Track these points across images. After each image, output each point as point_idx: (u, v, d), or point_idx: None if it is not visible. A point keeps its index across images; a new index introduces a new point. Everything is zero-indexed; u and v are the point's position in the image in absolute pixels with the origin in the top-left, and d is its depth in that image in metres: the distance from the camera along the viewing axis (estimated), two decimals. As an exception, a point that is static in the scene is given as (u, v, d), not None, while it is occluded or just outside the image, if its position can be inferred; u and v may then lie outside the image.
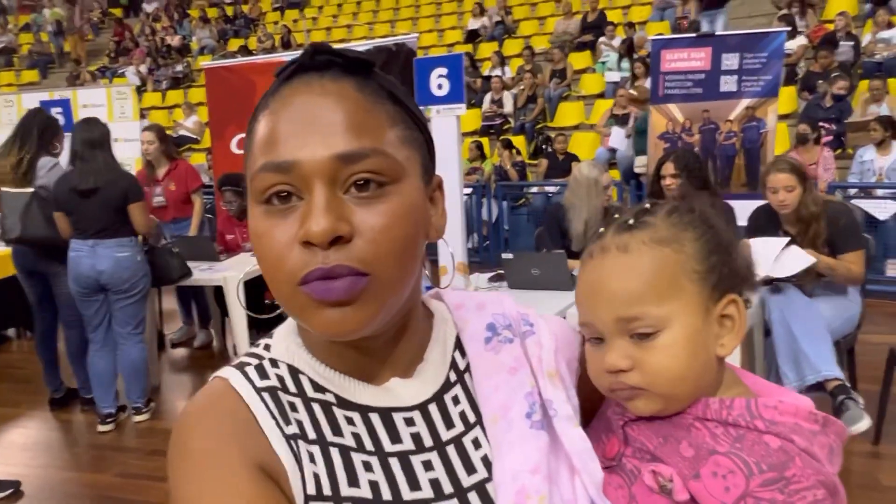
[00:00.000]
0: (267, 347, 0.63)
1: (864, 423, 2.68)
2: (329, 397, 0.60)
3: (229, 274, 3.80)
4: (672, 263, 0.64)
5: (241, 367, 0.60)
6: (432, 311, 0.68)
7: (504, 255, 3.24)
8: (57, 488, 3.03)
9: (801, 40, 8.15)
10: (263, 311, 4.49)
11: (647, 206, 0.69)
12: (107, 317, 3.48)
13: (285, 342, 0.63)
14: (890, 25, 7.68)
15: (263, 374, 0.60)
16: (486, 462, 0.60)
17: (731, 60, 4.44)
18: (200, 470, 0.53)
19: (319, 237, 0.51)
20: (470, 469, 0.60)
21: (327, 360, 0.61)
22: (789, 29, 7.19)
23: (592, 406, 0.68)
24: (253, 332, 4.15)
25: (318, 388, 0.60)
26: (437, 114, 3.05)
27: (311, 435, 0.57)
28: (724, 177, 4.58)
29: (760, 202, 3.17)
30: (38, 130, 3.46)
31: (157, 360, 4.09)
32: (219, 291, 4.14)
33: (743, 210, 3.25)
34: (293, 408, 0.58)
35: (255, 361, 0.61)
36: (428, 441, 0.60)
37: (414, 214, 0.55)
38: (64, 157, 4.58)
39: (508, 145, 7.66)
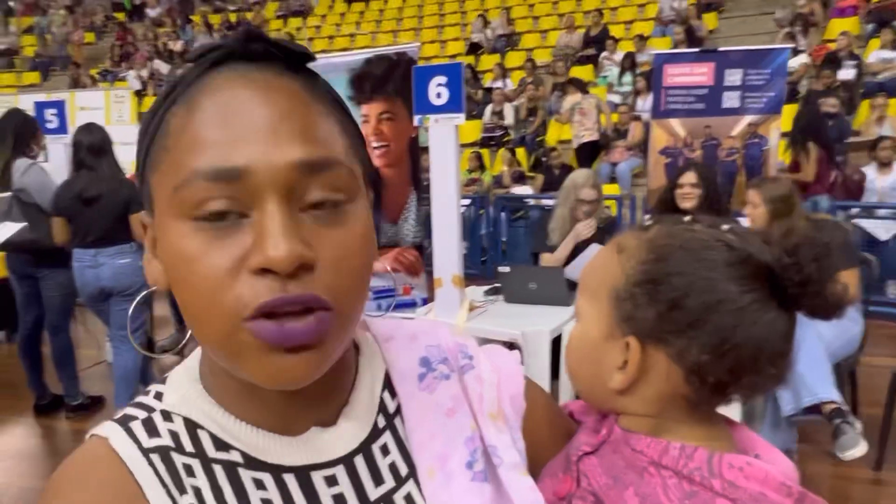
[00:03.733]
0: (158, 396, 0.53)
1: (860, 449, 2.61)
2: (234, 456, 0.50)
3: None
4: (609, 269, 0.63)
5: (124, 421, 0.51)
6: (358, 344, 0.59)
7: (500, 269, 3.19)
8: (36, 499, 2.95)
9: (802, 58, 8.14)
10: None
11: (686, 218, 0.64)
12: None
13: (182, 389, 0.53)
14: (893, 46, 7.67)
15: (153, 431, 0.50)
16: None
17: (734, 76, 4.40)
18: None
19: (284, 264, 0.41)
20: None
21: (235, 410, 0.51)
22: (793, 46, 7.19)
23: (537, 446, 0.61)
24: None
25: (220, 445, 0.50)
26: (435, 123, 3.00)
27: None
28: (724, 193, 4.54)
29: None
30: (14, 133, 3.41)
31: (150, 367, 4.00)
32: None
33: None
34: (189, 472, 0.49)
35: (142, 414, 0.51)
36: (353, 503, 0.51)
37: (370, 236, 0.48)
38: (56, 160, 4.53)
39: (512, 153, 7.73)
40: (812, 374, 2.70)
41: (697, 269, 0.58)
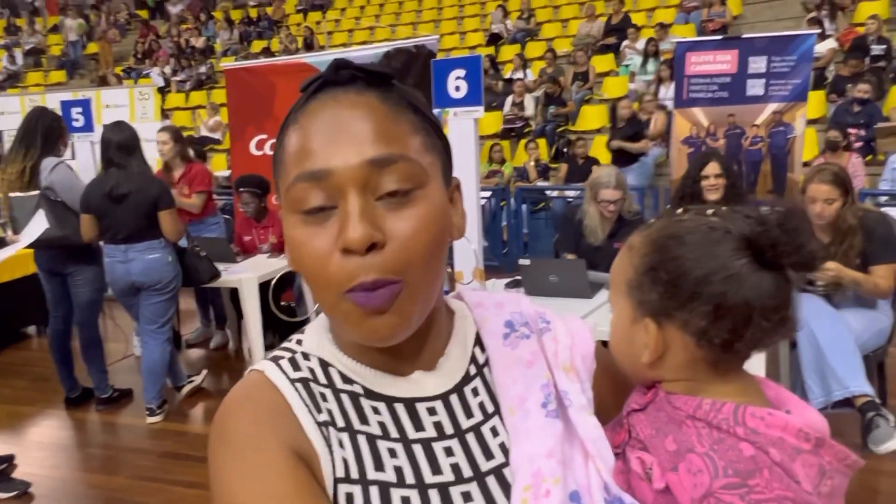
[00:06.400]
0: (299, 342, 0.68)
1: (895, 442, 2.57)
2: (357, 388, 0.64)
3: (245, 276, 3.78)
4: (624, 265, 0.74)
5: (275, 360, 0.65)
6: (453, 310, 0.71)
7: (521, 261, 3.17)
8: (68, 489, 3.03)
9: (830, 43, 7.97)
10: (281, 313, 4.49)
11: (679, 210, 0.73)
12: None
13: (317, 337, 0.67)
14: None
15: (296, 367, 0.64)
16: (504, 449, 0.63)
17: (758, 63, 4.32)
18: (240, 452, 0.57)
19: (357, 244, 0.54)
20: (488, 455, 0.63)
21: (355, 355, 0.65)
22: (819, 32, 7.03)
23: (604, 402, 0.71)
24: (268, 334, 4.13)
25: (346, 380, 0.64)
26: (454, 116, 2.99)
27: (340, 423, 0.61)
28: (749, 183, 4.45)
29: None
30: (43, 135, 3.47)
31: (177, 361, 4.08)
32: (235, 293, 4.13)
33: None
34: (323, 398, 0.62)
35: (288, 355, 0.66)
36: (449, 429, 0.63)
37: (440, 218, 0.59)
38: (83, 158, 4.60)
39: (534, 146, 7.70)
40: (843, 367, 2.66)
41: (685, 252, 0.68)
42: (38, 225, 3.26)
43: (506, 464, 0.62)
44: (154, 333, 3.52)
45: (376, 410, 0.63)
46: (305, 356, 0.66)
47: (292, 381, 0.62)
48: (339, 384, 0.64)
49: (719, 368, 0.70)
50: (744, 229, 0.67)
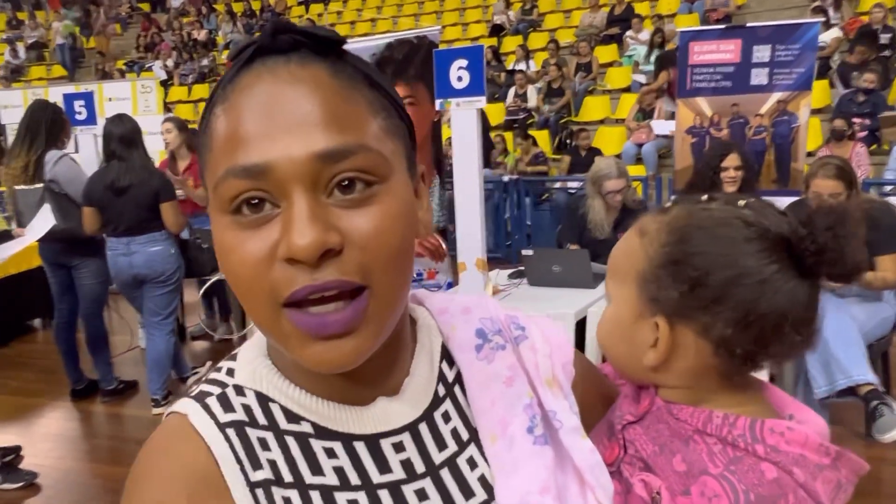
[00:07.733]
0: (230, 372, 0.55)
1: (900, 431, 2.57)
2: (305, 427, 0.52)
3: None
4: (634, 253, 0.65)
5: (201, 397, 0.52)
6: (415, 318, 0.61)
7: (524, 251, 3.18)
8: (74, 480, 3.05)
9: (834, 32, 7.92)
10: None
11: (703, 197, 0.65)
12: None
13: (251, 365, 0.54)
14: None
15: (227, 406, 0.52)
16: (485, 482, 0.55)
17: (762, 52, 4.29)
18: None
19: (307, 252, 0.43)
20: (467, 493, 0.54)
21: (303, 383, 0.53)
22: (824, 20, 6.99)
23: (585, 411, 0.62)
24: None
25: (292, 417, 0.52)
26: (456, 107, 2.98)
27: (287, 477, 0.50)
28: (753, 173, 4.44)
29: (791, 199, 3.05)
30: (46, 128, 3.47)
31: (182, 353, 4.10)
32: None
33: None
34: (264, 445, 0.51)
35: (217, 390, 0.53)
36: (420, 467, 0.54)
37: (406, 215, 0.48)
38: (86, 151, 4.61)
39: (525, 137, 7.63)
40: (846, 356, 2.65)
41: (716, 247, 0.59)
42: (45, 221, 3.27)
43: (489, 501, 0.54)
44: (158, 325, 3.54)
45: (331, 453, 0.52)
46: (239, 390, 0.53)
47: (222, 427, 0.50)
48: (283, 424, 0.52)
49: (730, 380, 0.63)
50: (783, 229, 0.59)
